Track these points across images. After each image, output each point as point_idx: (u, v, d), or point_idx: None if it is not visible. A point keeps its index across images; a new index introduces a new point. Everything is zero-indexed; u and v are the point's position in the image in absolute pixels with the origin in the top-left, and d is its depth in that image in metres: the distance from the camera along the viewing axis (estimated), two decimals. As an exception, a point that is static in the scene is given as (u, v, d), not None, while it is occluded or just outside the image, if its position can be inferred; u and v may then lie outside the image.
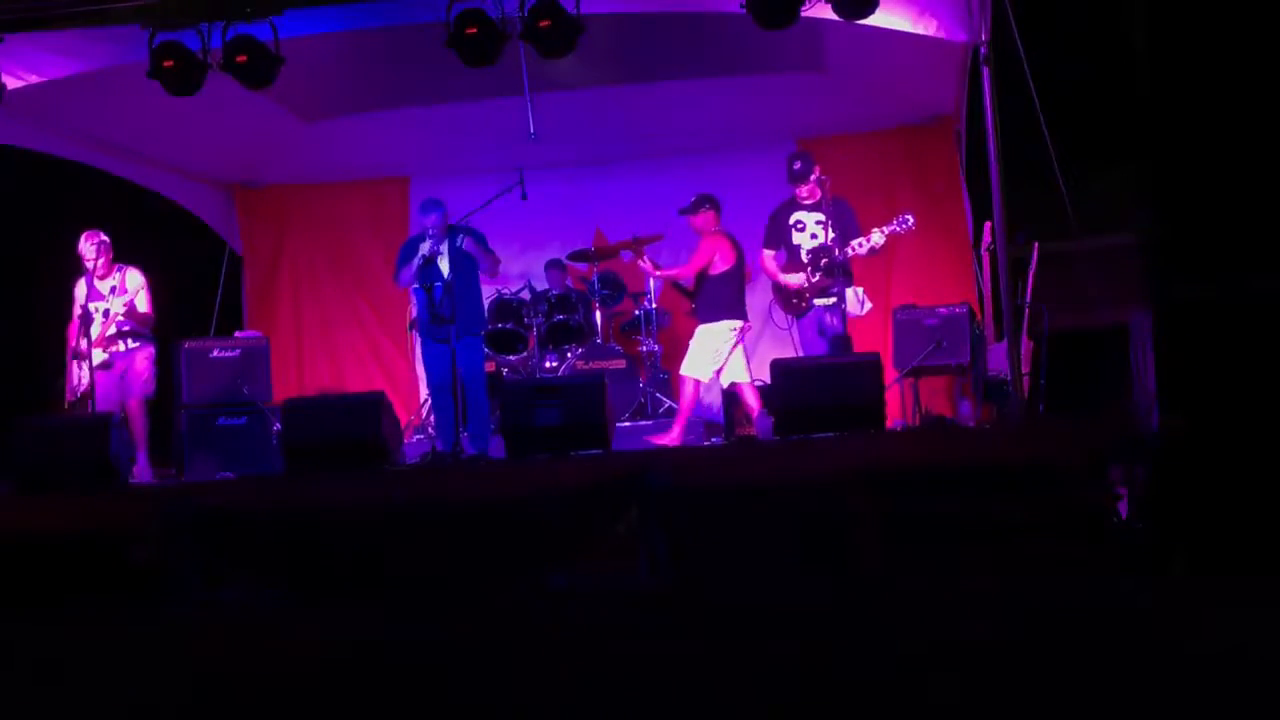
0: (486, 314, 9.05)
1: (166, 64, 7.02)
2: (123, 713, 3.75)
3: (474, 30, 6.91)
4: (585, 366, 9.53)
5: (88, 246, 8.13)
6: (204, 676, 4.11)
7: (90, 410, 7.77)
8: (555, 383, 7.68)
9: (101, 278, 8.16)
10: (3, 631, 5.43)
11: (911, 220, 7.98)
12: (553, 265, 10.22)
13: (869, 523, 5.49)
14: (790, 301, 8.29)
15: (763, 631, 4.32)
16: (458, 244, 8.06)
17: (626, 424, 9.27)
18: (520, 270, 10.29)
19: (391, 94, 9.54)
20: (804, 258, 8.14)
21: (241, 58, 7.02)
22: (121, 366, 8.16)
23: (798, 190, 8.24)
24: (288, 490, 6.59)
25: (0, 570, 5.88)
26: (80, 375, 8.02)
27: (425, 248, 8.00)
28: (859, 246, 7.94)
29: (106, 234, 8.18)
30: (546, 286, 10.07)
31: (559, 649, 4.25)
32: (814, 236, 8.15)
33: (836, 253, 7.96)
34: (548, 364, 9.69)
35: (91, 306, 8.06)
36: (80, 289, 8.15)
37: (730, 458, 6.83)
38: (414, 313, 9.25)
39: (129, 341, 8.15)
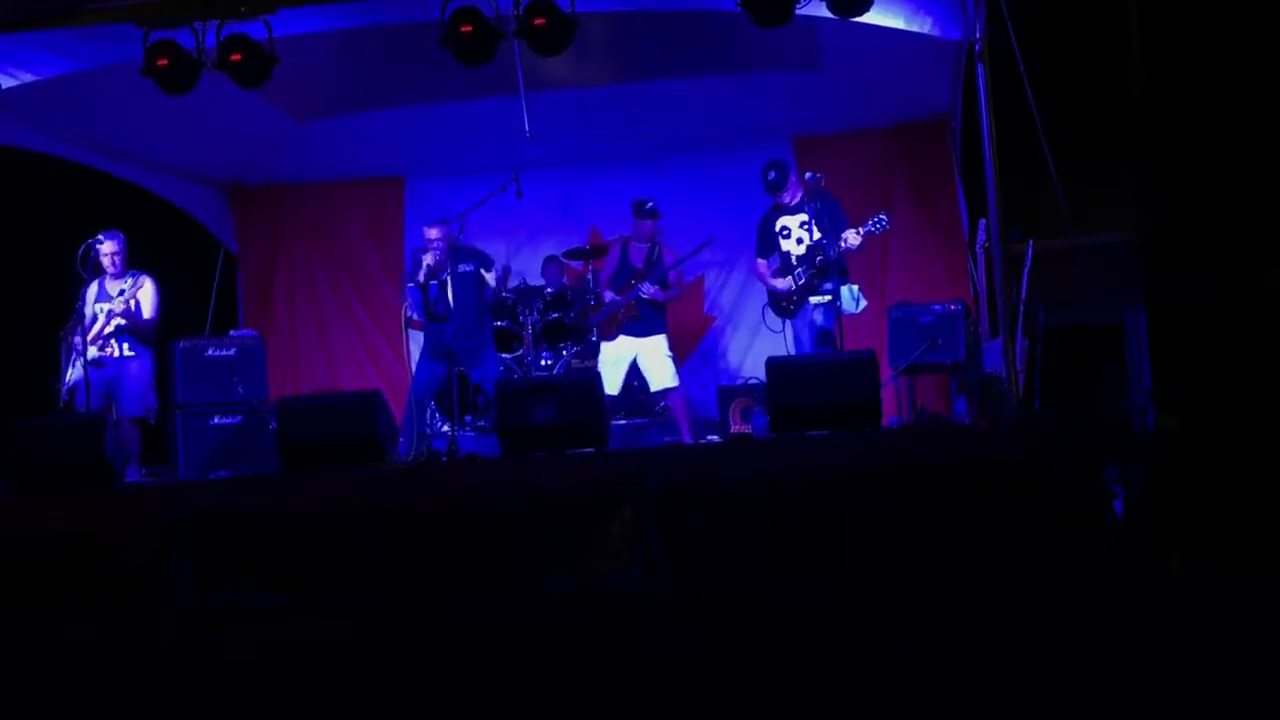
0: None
1: (160, 62, 7.01)
2: (121, 711, 3.75)
3: (469, 28, 6.91)
4: (580, 364, 9.53)
5: (103, 247, 8.14)
6: (200, 676, 4.11)
7: (86, 409, 7.76)
8: (551, 381, 7.69)
9: (114, 279, 8.18)
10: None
11: (886, 220, 8.02)
12: (551, 261, 10.24)
13: (864, 520, 5.50)
14: (780, 304, 8.35)
15: (758, 630, 4.32)
16: (459, 269, 8.15)
17: (622, 421, 9.28)
18: (516, 269, 10.28)
19: (386, 93, 9.53)
20: (793, 263, 8.18)
21: (236, 56, 7.01)
22: (113, 372, 8.11)
23: (780, 196, 8.29)
24: (284, 489, 6.58)
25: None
26: (73, 374, 8.01)
27: (428, 259, 8.07)
28: (842, 244, 7.98)
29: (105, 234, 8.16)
30: (543, 283, 10.07)
31: (556, 647, 4.25)
32: (800, 241, 8.22)
33: (830, 251, 7.98)
34: (543, 362, 9.69)
35: (98, 307, 8.10)
36: (92, 290, 8.16)
37: (726, 455, 6.84)
38: (409, 312, 9.26)
39: (125, 347, 8.11)
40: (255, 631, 5.11)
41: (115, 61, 7.42)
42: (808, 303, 8.20)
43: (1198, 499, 4.69)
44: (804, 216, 8.20)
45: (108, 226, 8.27)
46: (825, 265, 8.01)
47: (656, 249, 8.79)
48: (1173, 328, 4.88)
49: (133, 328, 8.12)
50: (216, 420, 8.39)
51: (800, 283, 8.15)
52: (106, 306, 8.09)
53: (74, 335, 8.03)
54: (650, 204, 8.82)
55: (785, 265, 8.28)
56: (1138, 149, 5.10)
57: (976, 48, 7.12)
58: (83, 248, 8.06)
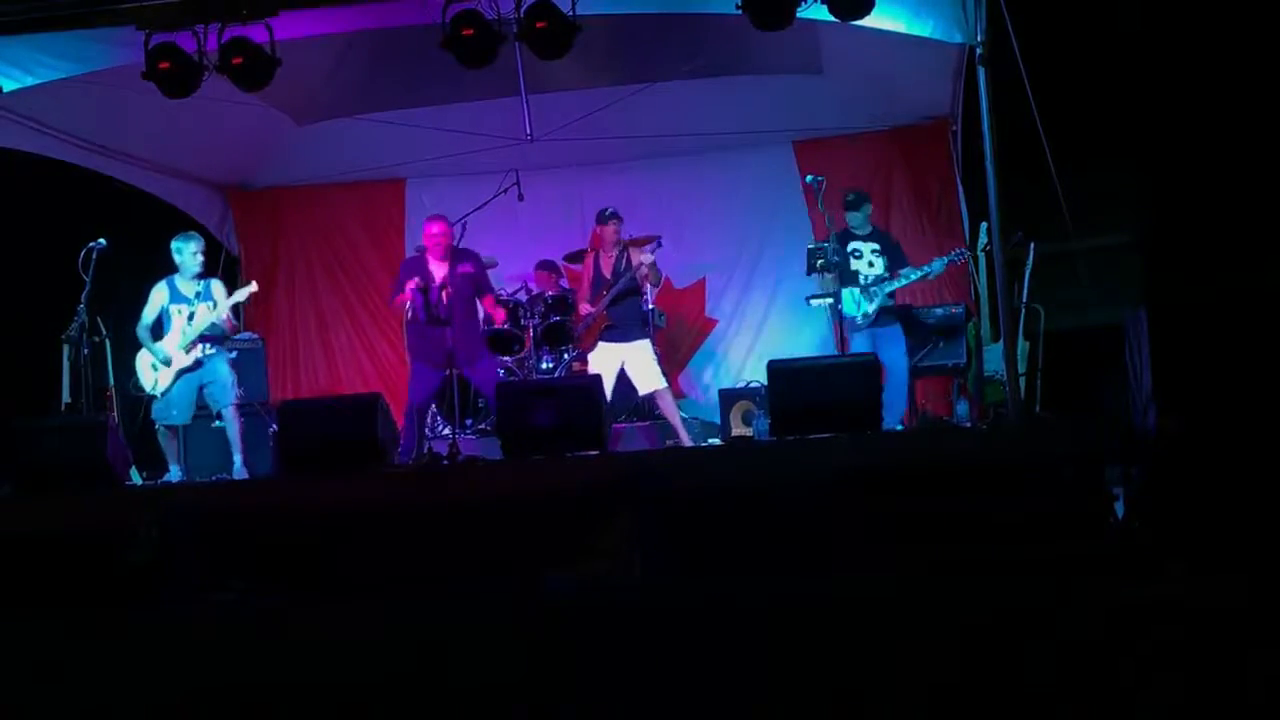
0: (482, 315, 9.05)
1: (162, 66, 7.01)
2: (122, 711, 3.75)
3: (470, 31, 6.90)
4: (581, 367, 9.53)
5: (187, 248, 8.19)
6: (202, 676, 4.11)
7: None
8: (551, 384, 7.69)
9: (189, 281, 8.18)
10: (2, 631, 5.42)
11: (965, 252, 8.52)
12: (543, 266, 10.23)
13: (865, 523, 5.49)
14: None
15: (758, 631, 4.32)
16: (457, 270, 8.12)
17: (622, 425, 9.27)
18: (516, 271, 10.28)
19: (387, 96, 9.53)
20: (860, 282, 8.36)
21: (237, 60, 7.00)
22: (203, 375, 8.12)
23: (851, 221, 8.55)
24: (284, 492, 6.58)
25: (-1, 571, 5.88)
26: (155, 377, 8.07)
27: (431, 263, 8.08)
28: (908, 275, 8.34)
29: (106, 237, 8.16)
30: (538, 287, 10.07)
31: (555, 647, 4.25)
32: (870, 264, 8.41)
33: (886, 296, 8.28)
34: (543, 365, 9.70)
35: (174, 309, 8.09)
36: (162, 291, 8.15)
37: (726, 458, 6.84)
38: (410, 313, 9.26)
39: (207, 346, 8.13)
40: (258, 630, 5.12)
41: (117, 65, 7.42)
42: (878, 327, 8.34)
43: (1198, 500, 4.69)
44: (876, 245, 8.44)
45: (187, 229, 8.53)
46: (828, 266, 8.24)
47: (624, 255, 8.78)
48: (1173, 329, 4.89)
49: (225, 334, 8.25)
50: (218, 422, 8.40)
51: (874, 305, 8.29)
52: (186, 309, 8.09)
53: (146, 335, 8.08)
54: (609, 210, 8.82)
55: (852, 281, 8.41)
56: (1139, 151, 5.12)
57: (978, 51, 7.12)
58: (83, 251, 8.07)
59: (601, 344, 8.71)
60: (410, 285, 8.04)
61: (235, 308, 8.33)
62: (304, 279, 11.11)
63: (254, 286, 8.45)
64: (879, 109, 9.90)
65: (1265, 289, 4.65)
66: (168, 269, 8.23)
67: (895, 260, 8.42)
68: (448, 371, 8.02)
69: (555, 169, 10.29)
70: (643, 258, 8.54)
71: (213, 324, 8.07)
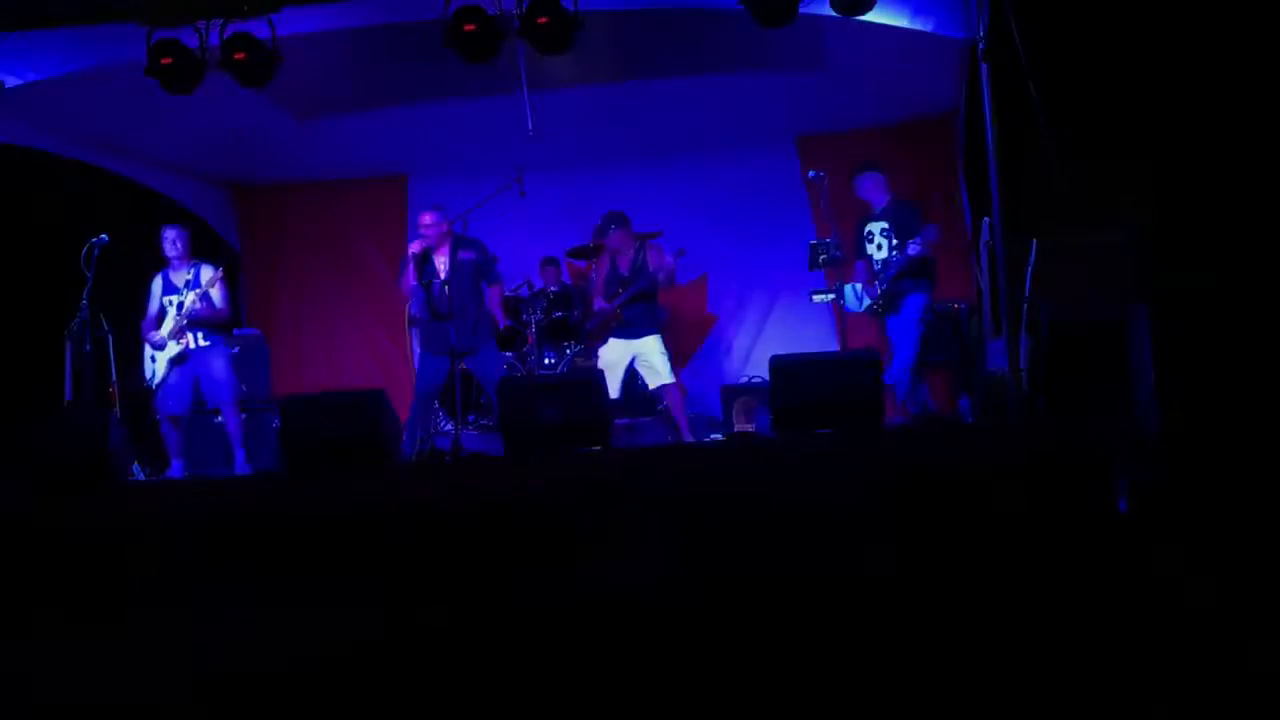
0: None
1: (164, 61, 7.02)
2: (121, 710, 3.76)
3: (472, 27, 6.91)
4: (584, 363, 9.53)
5: (165, 237, 8.24)
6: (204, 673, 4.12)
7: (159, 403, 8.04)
8: (554, 379, 7.69)
9: (178, 270, 8.24)
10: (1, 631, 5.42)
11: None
12: (548, 262, 10.25)
13: (866, 520, 5.50)
14: (871, 308, 8.30)
15: (761, 628, 4.32)
16: (460, 257, 8.10)
17: (624, 421, 9.27)
18: (519, 268, 10.29)
19: (389, 92, 9.52)
20: (875, 268, 8.14)
21: (240, 55, 7.02)
22: (197, 366, 8.14)
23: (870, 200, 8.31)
24: (287, 488, 6.59)
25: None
26: (155, 370, 8.12)
27: (414, 247, 8.08)
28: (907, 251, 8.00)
29: (109, 233, 8.18)
30: (543, 283, 10.09)
31: (557, 647, 4.25)
32: (880, 248, 8.16)
33: (891, 270, 7.99)
34: (546, 361, 9.70)
35: (166, 300, 8.19)
36: (158, 284, 8.24)
37: (729, 454, 6.84)
38: (412, 310, 9.27)
39: (200, 338, 8.14)
40: (258, 629, 5.12)
41: (119, 61, 7.42)
42: (894, 306, 8.12)
43: (1200, 497, 4.69)
44: (885, 224, 8.17)
45: (170, 220, 8.48)
46: (900, 273, 8.03)
47: (642, 252, 8.77)
48: (1176, 325, 4.89)
49: (209, 319, 8.19)
50: (220, 419, 8.40)
51: (883, 288, 8.08)
52: (175, 299, 8.16)
53: (150, 329, 8.14)
54: (610, 215, 8.77)
55: (870, 271, 8.22)
56: (1141, 147, 5.12)
57: (980, 46, 7.12)
58: (85, 247, 8.08)
59: (613, 339, 8.70)
60: (409, 280, 8.05)
61: (229, 298, 8.33)
62: (307, 275, 11.14)
63: (218, 272, 8.32)
64: (881, 105, 9.90)
65: (1268, 285, 4.65)
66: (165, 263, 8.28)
67: (903, 232, 8.09)
68: (451, 367, 8.02)
69: (557, 165, 10.29)
70: (669, 259, 8.53)
71: (192, 309, 8.09)
